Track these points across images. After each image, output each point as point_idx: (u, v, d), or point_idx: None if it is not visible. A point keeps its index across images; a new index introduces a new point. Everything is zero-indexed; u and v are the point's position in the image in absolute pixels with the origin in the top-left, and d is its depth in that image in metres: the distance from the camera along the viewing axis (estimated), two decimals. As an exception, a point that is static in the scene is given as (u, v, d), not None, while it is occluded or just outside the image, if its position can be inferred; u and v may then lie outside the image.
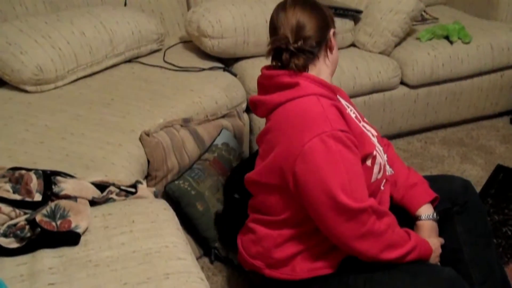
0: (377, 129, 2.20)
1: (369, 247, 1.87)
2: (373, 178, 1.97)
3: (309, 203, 1.87)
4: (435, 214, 2.10)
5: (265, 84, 2.00)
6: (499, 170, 3.11)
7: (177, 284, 1.64)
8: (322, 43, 1.95)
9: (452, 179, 2.21)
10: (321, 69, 1.98)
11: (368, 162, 1.94)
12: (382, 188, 2.06)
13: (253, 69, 2.97)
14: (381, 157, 2.02)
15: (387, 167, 2.11)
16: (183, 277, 1.67)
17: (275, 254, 2.04)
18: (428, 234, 2.07)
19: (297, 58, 1.90)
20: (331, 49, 1.99)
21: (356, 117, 2.06)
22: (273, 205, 2.01)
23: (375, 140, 2.07)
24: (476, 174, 3.05)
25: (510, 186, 2.97)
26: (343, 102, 2.04)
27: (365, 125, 2.10)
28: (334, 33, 1.99)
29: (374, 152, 1.94)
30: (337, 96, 2.00)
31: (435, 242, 2.04)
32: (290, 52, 1.90)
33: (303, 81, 1.91)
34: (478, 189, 2.72)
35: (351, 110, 2.07)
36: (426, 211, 2.09)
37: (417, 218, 2.10)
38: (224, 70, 2.98)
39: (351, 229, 1.84)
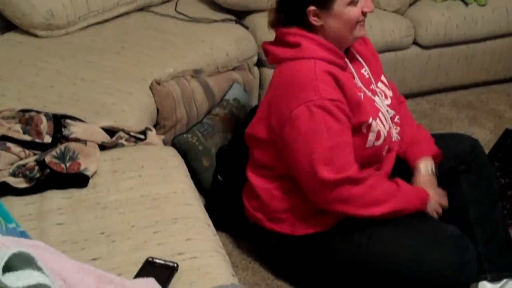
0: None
1: (349, 209, 1.93)
2: (368, 144, 1.97)
3: (292, 167, 1.94)
4: (433, 169, 2.10)
5: (276, 34, 2.01)
6: (508, 134, 3.10)
7: (184, 228, 1.65)
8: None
9: (460, 138, 2.21)
10: (330, 30, 1.93)
11: (363, 129, 1.94)
12: (384, 153, 2.07)
13: (265, 22, 2.90)
14: (384, 125, 2.00)
15: (393, 133, 2.10)
16: (191, 222, 1.68)
17: (273, 207, 2.06)
18: (423, 187, 2.07)
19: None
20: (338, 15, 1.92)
21: (367, 79, 2.05)
22: (268, 159, 2.05)
23: (383, 103, 2.06)
24: (484, 137, 3.04)
25: (517, 150, 2.98)
26: (351, 67, 2.00)
27: (379, 86, 2.10)
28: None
29: (370, 120, 1.94)
30: (345, 60, 1.98)
31: (431, 195, 2.05)
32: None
33: (306, 42, 1.91)
34: (485, 152, 2.71)
35: (365, 70, 2.06)
36: (424, 164, 2.10)
37: (414, 170, 2.11)
38: (236, 22, 2.96)
39: (330, 197, 1.90)
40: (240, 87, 2.64)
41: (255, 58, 2.91)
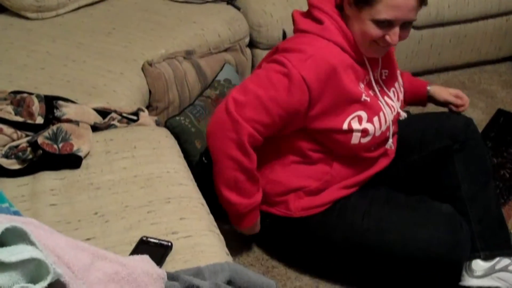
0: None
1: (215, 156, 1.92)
2: (354, 141, 1.94)
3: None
4: None
5: (308, 4, 1.98)
6: (500, 114, 3.11)
7: (178, 208, 1.65)
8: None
9: (454, 117, 2.21)
10: (353, 27, 1.88)
11: (345, 124, 1.91)
12: (371, 153, 2.05)
13: (257, 3, 2.92)
14: (378, 126, 1.96)
15: (389, 140, 2.06)
16: (184, 202, 1.68)
17: (268, 191, 2.06)
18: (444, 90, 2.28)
19: None
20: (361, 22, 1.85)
21: (382, 79, 2.03)
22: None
23: (393, 105, 2.04)
24: (477, 118, 3.04)
25: (510, 130, 2.98)
26: (367, 65, 1.95)
27: (396, 86, 2.10)
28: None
29: (345, 127, 1.91)
30: (364, 57, 1.92)
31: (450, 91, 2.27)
32: None
33: (329, 22, 1.88)
34: (479, 131, 2.71)
35: (379, 70, 2.01)
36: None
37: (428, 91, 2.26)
38: (228, 3, 2.94)
39: (221, 124, 1.87)
40: (231, 68, 2.63)
41: (247, 39, 2.89)
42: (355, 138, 1.94)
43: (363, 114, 1.92)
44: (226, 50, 2.69)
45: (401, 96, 2.11)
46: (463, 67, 3.51)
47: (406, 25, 1.85)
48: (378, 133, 1.97)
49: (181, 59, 2.49)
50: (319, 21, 1.90)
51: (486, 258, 2.03)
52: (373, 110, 1.95)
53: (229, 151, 1.87)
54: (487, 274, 2.02)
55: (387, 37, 1.82)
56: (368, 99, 1.92)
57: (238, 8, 2.92)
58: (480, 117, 3.05)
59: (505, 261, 2.02)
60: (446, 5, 3.20)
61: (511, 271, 2.02)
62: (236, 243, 2.25)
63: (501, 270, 2.02)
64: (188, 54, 2.53)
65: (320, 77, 1.82)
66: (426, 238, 1.94)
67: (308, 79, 1.81)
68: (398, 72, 2.15)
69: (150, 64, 2.37)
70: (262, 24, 2.87)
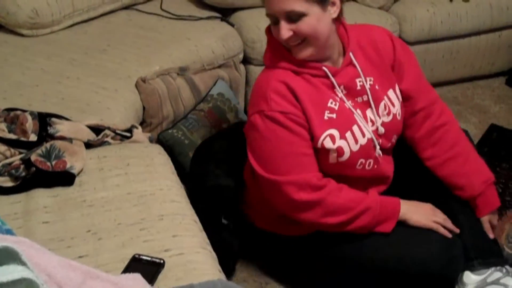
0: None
1: (306, 214, 1.90)
2: (331, 160, 1.92)
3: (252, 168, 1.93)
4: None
5: None
6: (493, 129, 3.12)
7: (171, 225, 1.66)
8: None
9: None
10: None
11: (319, 143, 1.88)
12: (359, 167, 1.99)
13: (251, 19, 2.94)
14: (352, 141, 1.91)
15: (376, 150, 1.99)
16: (177, 219, 1.68)
17: (264, 212, 2.07)
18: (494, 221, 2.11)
19: None
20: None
21: (357, 90, 1.92)
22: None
23: (375, 118, 1.96)
24: (470, 133, 3.05)
25: (503, 145, 2.99)
26: (330, 76, 1.88)
27: (386, 98, 2.00)
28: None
29: (322, 137, 1.87)
30: (323, 68, 1.87)
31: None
32: None
33: (269, 48, 1.91)
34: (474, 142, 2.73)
35: (360, 81, 1.92)
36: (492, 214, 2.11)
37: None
38: (222, 20, 2.96)
39: (281, 197, 1.88)
40: (224, 83, 2.65)
41: (241, 56, 2.91)
42: (332, 158, 1.92)
43: (335, 132, 1.89)
44: (220, 66, 2.70)
45: (394, 110, 2.01)
46: (456, 82, 3.53)
47: (294, 18, 1.76)
48: (355, 149, 1.92)
49: (174, 76, 2.50)
50: (270, 49, 1.92)
51: (479, 268, 2.02)
52: (344, 126, 1.90)
53: (325, 221, 1.89)
54: (478, 287, 2.02)
55: (276, 35, 1.82)
56: (334, 116, 1.88)
57: (232, 25, 2.94)
58: (473, 132, 3.06)
59: (496, 274, 2.02)
60: (439, 21, 3.23)
61: (503, 284, 2.01)
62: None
63: (493, 283, 2.01)
64: (182, 71, 2.54)
65: (291, 98, 1.83)
66: (421, 256, 1.93)
67: (286, 109, 1.81)
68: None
69: (144, 81, 2.38)
70: (256, 40, 2.89)
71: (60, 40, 2.66)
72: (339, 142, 1.89)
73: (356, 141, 1.92)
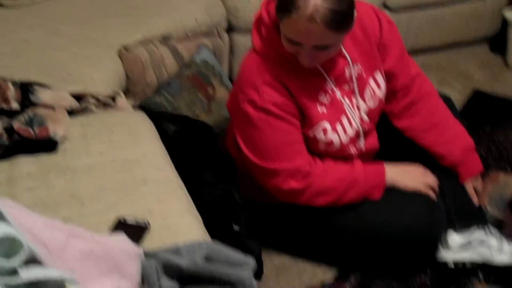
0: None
1: (296, 199, 1.94)
2: (320, 147, 1.95)
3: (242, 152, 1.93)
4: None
5: None
6: (476, 94, 3.15)
7: (155, 190, 1.66)
8: None
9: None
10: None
11: (311, 133, 1.91)
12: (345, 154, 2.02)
13: (234, -13, 2.93)
14: (342, 132, 1.94)
15: (360, 143, 2.03)
16: (162, 184, 1.69)
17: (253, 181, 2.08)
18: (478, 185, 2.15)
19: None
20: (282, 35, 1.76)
21: (346, 78, 1.91)
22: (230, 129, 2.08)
23: (361, 106, 1.97)
24: (454, 98, 3.03)
25: (486, 110, 3.02)
26: (320, 69, 1.85)
27: (371, 84, 1.99)
28: None
29: (321, 127, 1.90)
30: (320, 68, 1.85)
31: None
32: None
33: (266, 34, 1.82)
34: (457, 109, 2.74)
35: (348, 68, 1.90)
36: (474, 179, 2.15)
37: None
38: (205, -12, 2.94)
39: (273, 185, 1.92)
40: (208, 51, 2.63)
41: (225, 24, 2.89)
42: (322, 146, 1.95)
43: (327, 125, 1.91)
44: (203, 34, 2.69)
45: (379, 94, 2.01)
46: (440, 48, 3.53)
47: (321, 48, 1.70)
48: (345, 140, 1.96)
49: (157, 44, 2.49)
50: (261, 35, 1.85)
51: (461, 228, 2.05)
52: (334, 117, 1.92)
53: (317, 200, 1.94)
54: (463, 248, 2.05)
55: (299, 58, 1.75)
56: (325, 110, 1.89)
57: (215, -7, 2.92)
58: (456, 98, 3.07)
59: (480, 235, 2.05)
60: (422, -12, 3.22)
61: (487, 245, 2.04)
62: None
63: (477, 244, 2.04)
64: (165, 39, 2.53)
65: (281, 90, 1.82)
66: (405, 221, 1.96)
67: (278, 100, 1.81)
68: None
69: (126, 49, 2.37)
70: (239, 9, 2.87)
71: (42, 10, 2.64)
72: (331, 136, 1.92)
73: (345, 132, 1.95)
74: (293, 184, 1.90)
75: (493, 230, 2.10)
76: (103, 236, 1.20)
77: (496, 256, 2.04)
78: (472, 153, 2.14)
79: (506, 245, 2.06)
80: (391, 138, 2.16)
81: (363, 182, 1.97)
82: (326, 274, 2.14)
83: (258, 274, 1.97)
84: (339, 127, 1.93)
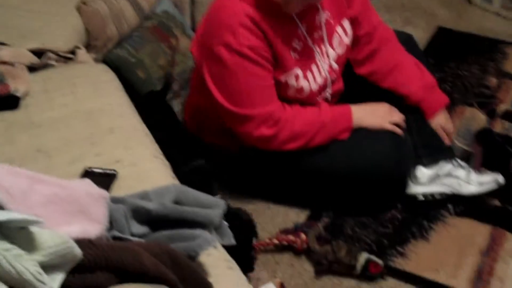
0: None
1: (266, 145, 1.95)
2: (290, 94, 1.96)
3: (211, 97, 1.91)
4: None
5: None
6: (440, 31, 3.16)
7: (121, 138, 1.65)
8: None
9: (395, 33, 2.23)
10: None
11: (283, 78, 1.91)
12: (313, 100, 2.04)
13: None
14: (312, 79, 1.96)
15: (326, 93, 2.06)
16: (128, 132, 1.69)
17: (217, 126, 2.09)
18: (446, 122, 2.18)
19: None
20: None
21: (317, 26, 1.94)
22: (196, 75, 2.07)
23: (330, 54, 2.00)
24: (418, 37, 3.06)
25: (450, 46, 3.04)
26: (294, 17, 1.88)
27: (338, 31, 2.01)
28: None
29: (293, 73, 1.91)
30: (293, 15, 1.87)
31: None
32: None
33: None
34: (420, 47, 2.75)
35: (319, 15, 1.94)
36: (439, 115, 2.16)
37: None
38: None
39: (245, 131, 1.92)
40: (168, 2, 2.60)
41: (185, -26, 2.85)
42: (292, 93, 1.96)
43: (299, 72, 1.92)
44: (163, -15, 2.65)
45: (346, 40, 2.05)
46: (403, -12, 3.53)
47: None
48: (314, 88, 1.98)
49: (117, -4, 2.45)
50: None
51: (429, 163, 2.08)
52: (306, 64, 1.94)
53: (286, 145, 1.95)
54: (431, 180, 2.08)
55: None
56: (298, 56, 1.91)
57: None
58: (421, 35, 3.08)
59: (447, 167, 2.08)
60: None
61: (454, 176, 2.08)
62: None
63: (445, 175, 2.08)
64: (124, -9, 2.49)
65: (257, 33, 1.81)
66: (372, 154, 1.98)
67: (253, 43, 1.80)
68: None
69: (85, 3, 2.33)
70: (198, -44, 2.83)
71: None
72: (302, 82, 1.94)
73: (314, 79, 1.97)
74: (264, 130, 1.90)
75: (461, 162, 2.13)
76: (66, 181, 1.19)
77: (464, 187, 2.08)
78: (434, 89, 2.17)
79: (473, 175, 2.09)
80: (355, 85, 2.18)
81: (330, 124, 1.98)
82: (299, 216, 2.16)
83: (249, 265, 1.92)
84: (309, 75, 1.95)
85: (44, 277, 0.90)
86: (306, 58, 1.94)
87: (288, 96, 1.97)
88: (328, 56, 2.00)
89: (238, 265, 1.42)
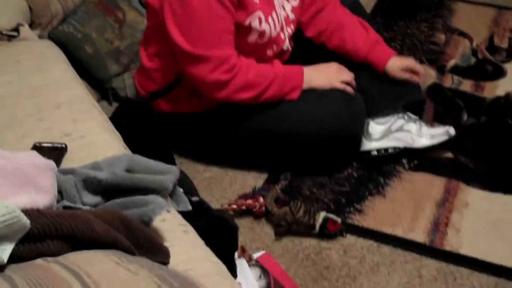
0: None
1: (218, 92, 1.95)
2: (250, 39, 1.96)
3: (169, 41, 1.91)
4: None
5: None
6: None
7: (69, 111, 1.63)
8: None
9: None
10: None
11: (247, 21, 1.91)
12: (269, 55, 2.07)
13: None
14: (273, 26, 1.98)
15: (286, 41, 2.09)
16: (75, 105, 1.66)
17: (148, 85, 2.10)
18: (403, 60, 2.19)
19: None
20: None
21: None
22: (150, 31, 2.05)
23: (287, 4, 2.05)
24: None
25: (398, 5, 3.05)
26: None
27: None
28: None
29: (254, 18, 1.92)
30: None
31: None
32: None
33: None
34: (369, 10, 2.76)
35: None
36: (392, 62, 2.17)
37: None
38: None
39: (199, 73, 1.91)
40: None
41: None
42: (251, 39, 1.96)
43: (262, 15, 1.93)
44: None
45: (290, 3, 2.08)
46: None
47: None
48: (274, 34, 2.00)
49: (59, -28, 2.40)
50: None
51: (381, 117, 2.11)
52: (267, 10, 1.95)
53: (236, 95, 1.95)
54: (384, 135, 2.11)
55: None
56: (258, 2, 1.91)
57: None
58: (368, -3, 3.09)
59: (399, 121, 2.11)
60: None
61: (406, 130, 2.11)
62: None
63: (397, 130, 2.11)
64: (66, -34, 2.44)
65: None
66: (323, 113, 2.00)
67: None
68: None
69: (26, -21, 2.28)
70: None
71: None
72: (264, 26, 1.94)
73: (275, 27, 1.98)
74: (219, 75, 1.90)
75: (412, 116, 2.16)
76: (11, 153, 1.17)
77: (416, 140, 2.11)
78: (380, 43, 2.20)
79: (425, 129, 2.13)
80: (306, 49, 2.22)
81: (282, 80, 2.00)
82: (257, 180, 2.17)
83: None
84: (270, 20, 1.96)
85: (-9, 247, 0.89)
86: (267, 5, 1.96)
87: (248, 43, 1.97)
88: (284, 8, 2.04)
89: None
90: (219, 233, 1.66)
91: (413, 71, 2.18)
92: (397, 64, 2.16)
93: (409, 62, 2.20)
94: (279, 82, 1.99)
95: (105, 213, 1.14)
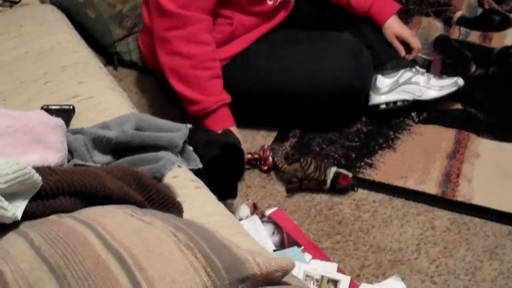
0: None
1: (164, 57, 1.90)
2: None
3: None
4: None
5: None
6: None
7: (75, 74, 1.63)
8: None
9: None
10: None
11: None
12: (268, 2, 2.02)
13: None
14: None
15: None
16: (81, 67, 1.65)
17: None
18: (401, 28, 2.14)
19: None
20: None
21: None
22: None
23: None
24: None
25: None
26: None
27: None
28: None
29: None
30: None
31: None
32: None
33: None
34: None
35: None
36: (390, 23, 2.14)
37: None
38: None
39: (158, 26, 1.86)
40: None
41: None
42: None
43: None
44: None
45: None
46: None
47: None
48: None
49: None
50: None
51: (389, 71, 2.08)
52: None
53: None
54: (392, 88, 2.09)
55: None
56: None
57: None
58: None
59: (407, 74, 2.08)
60: None
61: (414, 82, 2.08)
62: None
63: (405, 83, 2.08)
64: None
65: None
66: (330, 67, 1.98)
67: None
68: None
69: None
70: None
71: None
72: None
73: None
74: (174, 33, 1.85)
75: (420, 69, 2.14)
76: (18, 112, 1.17)
77: (425, 92, 2.09)
78: None
79: (433, 80, 2.10)
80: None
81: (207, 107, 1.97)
82: (266, 139, 2.16)
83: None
84: None
85: (5, 203, 0.89)
86: None
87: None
88: None
89: (223, 192, 1.40)
90: (229, 158, 1.73)
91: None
92: (394, 29, 2.14)
93: (405, 32, 2.16)
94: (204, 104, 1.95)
95: (117, 170, 1.14)
